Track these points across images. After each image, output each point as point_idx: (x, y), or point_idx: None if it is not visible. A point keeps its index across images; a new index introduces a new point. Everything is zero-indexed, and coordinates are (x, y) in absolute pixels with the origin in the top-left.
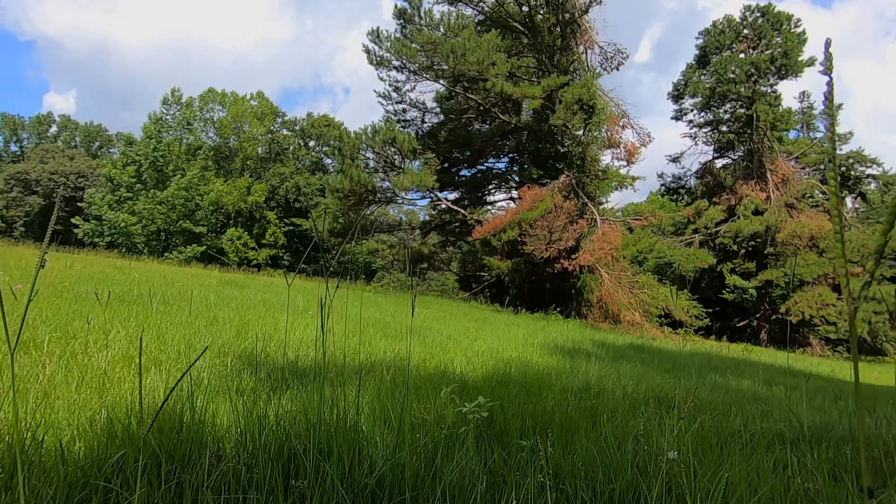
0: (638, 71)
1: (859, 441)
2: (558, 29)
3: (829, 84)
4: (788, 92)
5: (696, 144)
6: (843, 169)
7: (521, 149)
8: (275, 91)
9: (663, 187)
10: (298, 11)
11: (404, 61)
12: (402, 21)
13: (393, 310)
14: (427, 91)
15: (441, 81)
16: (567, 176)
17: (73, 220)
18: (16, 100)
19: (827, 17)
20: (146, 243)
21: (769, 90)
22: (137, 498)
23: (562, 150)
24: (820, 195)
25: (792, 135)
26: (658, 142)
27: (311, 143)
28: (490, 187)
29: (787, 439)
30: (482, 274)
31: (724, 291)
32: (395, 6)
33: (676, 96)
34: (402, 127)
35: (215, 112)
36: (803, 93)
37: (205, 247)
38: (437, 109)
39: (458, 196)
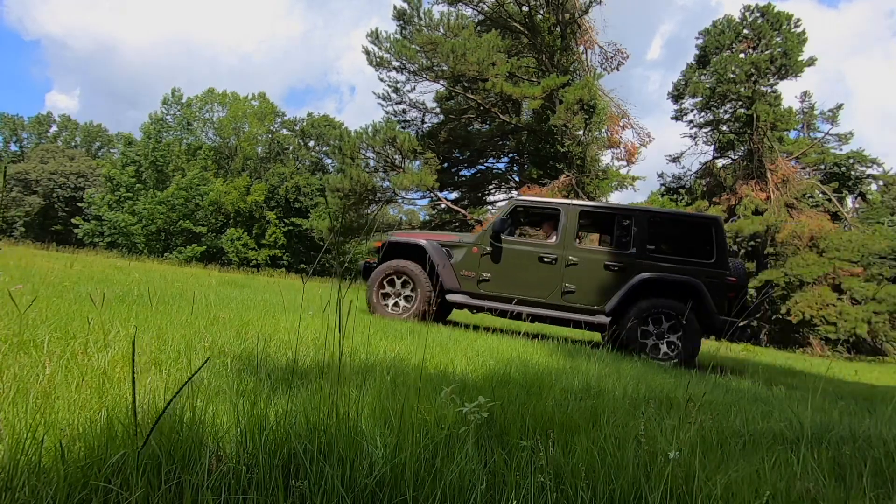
0: (647, 69)
1: (859, 441)
2: (558, 29)
3: None
4: (788, 92)
5: (696, 144)
6: (843, 169)
7: (521, 149)
8: (281, 91)
9: (663, 187)
10: (307, 9)
11: (404, 62)
12: (401, 22)
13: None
14: (427, 91)
15: (441, 82)
16: (567, 176)
17: (73, 220)
18: (18, 98)
19: (833, 17)
20: (146, 243)
21: (769, 90)
22: (136, 498)
23: (562, 150)
24: (820, 195)
25: (792, 135)
26: (659, 142)
27: (311, 143)
28: (490, 187)
29: (788, 439)
30: None
31: None
32: (395, 7)
33: (676, 96)
34: (403, 127)
35: (215, 112)
36: (804, 93)
37: (205, 247)
38: (437, 109)
39: (458, 196)
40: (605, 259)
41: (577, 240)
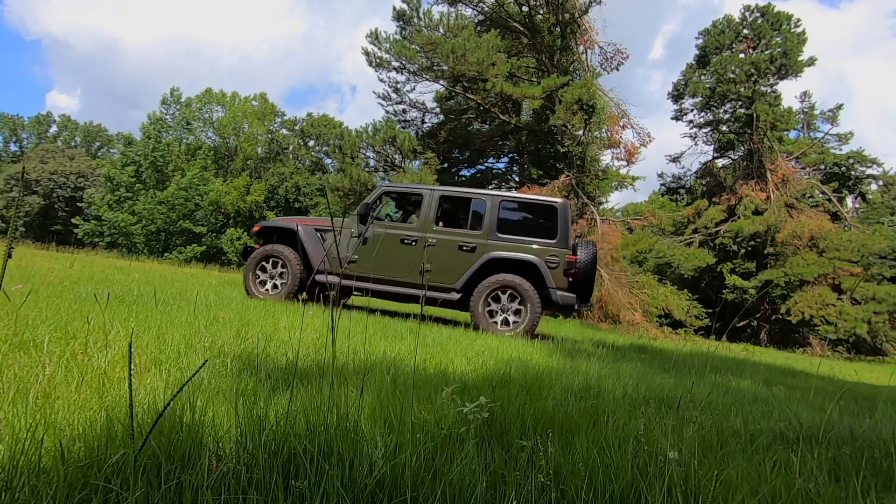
0: (649, 68)
1: (859, 441)
2: (558, 29)
3: None
4: (788, 92)
5: (696, 144)
6: (843, 169)
7: (521, 149)
8: (282, 91)
9: (663, 187)
10: (308, 9)
11: (404, 62)
12: (401, 22)
13: (393, 309)
14: (427, 91)
15: (441, 82)
16: (567, 176)
17: (73, 220)
18: (18, 98)
19: (833, 17)
20: (146, 243)
21: (769, 90)
22: (136, 498)
23: (562, 150)
24: (820, 195)
25: (792, 135)
26: (659, 142)
27: (311, 143)
28: (490, 187)
29: (788, 439)
30: None
31: (724, 291)
32: (394, 8)
33: (676, 96)
34: (403, 127)
35: (214, 112)
36: (804, 93)
37: (205, 247)
38: (437, 110)
39: None
40: (459, 240)
41: (440, 223)
